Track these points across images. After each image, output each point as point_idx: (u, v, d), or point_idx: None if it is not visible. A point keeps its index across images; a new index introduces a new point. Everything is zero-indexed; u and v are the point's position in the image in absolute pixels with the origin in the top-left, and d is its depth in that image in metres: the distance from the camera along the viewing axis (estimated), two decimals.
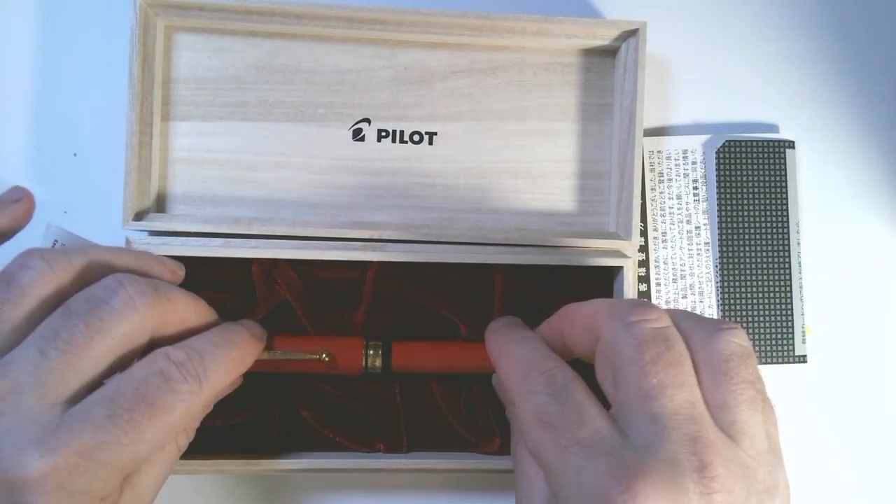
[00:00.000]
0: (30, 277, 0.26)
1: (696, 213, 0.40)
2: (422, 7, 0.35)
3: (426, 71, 0.37)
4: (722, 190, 0.39)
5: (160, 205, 0.36)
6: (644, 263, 0.39)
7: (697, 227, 0.40)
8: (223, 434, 0.35)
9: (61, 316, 0.25)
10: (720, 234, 0.39)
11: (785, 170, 0.40)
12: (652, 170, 0.40)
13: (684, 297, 0.39)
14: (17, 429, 0.23)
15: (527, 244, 0.36)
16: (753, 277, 0.39)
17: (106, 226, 0.35)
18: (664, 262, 0.39)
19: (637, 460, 0.22)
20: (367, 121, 0.37)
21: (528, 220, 0.37)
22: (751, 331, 0.39)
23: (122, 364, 0.27)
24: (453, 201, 0.37)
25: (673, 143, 0.40)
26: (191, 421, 0.29)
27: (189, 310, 0.29)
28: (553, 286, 0.36)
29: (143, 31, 0.34)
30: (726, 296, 0.39)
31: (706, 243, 0.40)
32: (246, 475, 0.37)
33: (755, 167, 0.40)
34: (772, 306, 0.39)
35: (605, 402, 0.25)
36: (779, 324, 0.39)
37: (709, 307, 0.39)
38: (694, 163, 0.40)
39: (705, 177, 0.40)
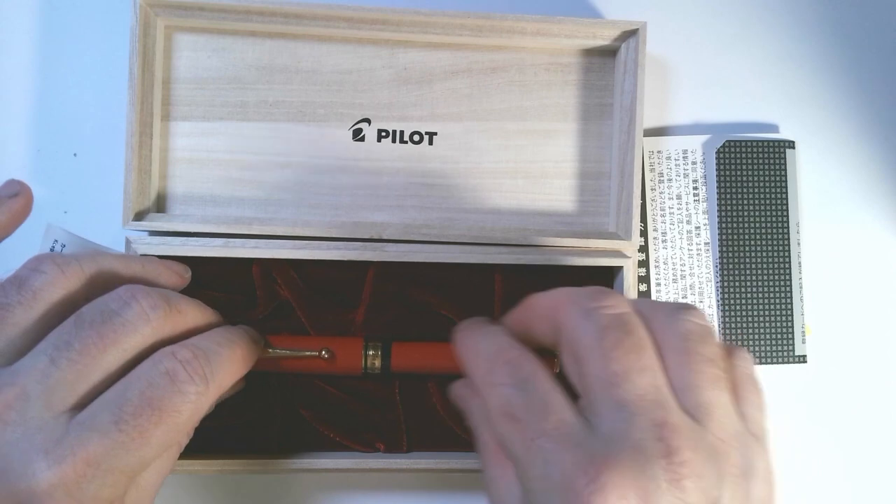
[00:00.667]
0: (42, 282, 0.26)
1: (696, 213, 0.40)
2: (422, 7, 0.35)
3: (426, 71, 0.37)
4: (722, 190, 0.39)
5: (160, 205, 0.36)
6: (644, 263, 0.39)
7: (697, 227, 0.40)
8: (223, 434, 0.35)
9: (74, 325, 0.25)
10: (720, 234, 0.39)
11: (785, 170, 0.40)
12: (652, 170, 0.40)
13: (684, 297, 0.39)
14: (24, 438, 0.23)
15: (527, 244, 0.36)
16: (753, 277, 0.39)
17: (106, 226, 0.35)
18: (664, 262, 0.39)
19: (603, 449, 0.21)
20: (367, 121, 0.37)
21: (528, 220, 0.37)
22: (751, 331, 0.39)
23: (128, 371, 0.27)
24: (453, 201, 0.37)
25: (673, 143, 0.40)
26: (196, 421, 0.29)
27: (197, 319, 0.30)
28: (553, 286, 0.36)
29: (143, 31, 0.34)
30: (726, 296, 0.39)
31: (706, 243, 0.40)
32: (246, 475, 0.37)
33: (755, 167, 0.40)
34: (772, 306, 0.39)
35: (574, 393, 0.25)
36: (779, 324, 0.39)
37: (709, 307, 0.39)
38: (694, 163, 0.40)
39: (705, 177, 0.40)
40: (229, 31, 0.36)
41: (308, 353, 0.34)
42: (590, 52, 0.37)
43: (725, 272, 0.39)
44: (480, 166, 0.37)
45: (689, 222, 0.40)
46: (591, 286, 0.27)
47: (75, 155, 0.39)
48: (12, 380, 0.24)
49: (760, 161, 0.40)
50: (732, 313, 0.39)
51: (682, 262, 0.39)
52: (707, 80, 0.40)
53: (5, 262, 0.29)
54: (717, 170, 0.40)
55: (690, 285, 0.39)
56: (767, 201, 0.39)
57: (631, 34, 0.36)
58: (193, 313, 0.29)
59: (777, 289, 0.39)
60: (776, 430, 0.39)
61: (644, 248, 0.39)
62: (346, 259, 0.35)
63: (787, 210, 0.39)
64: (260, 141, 0.37)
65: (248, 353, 0.31)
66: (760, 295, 0.39)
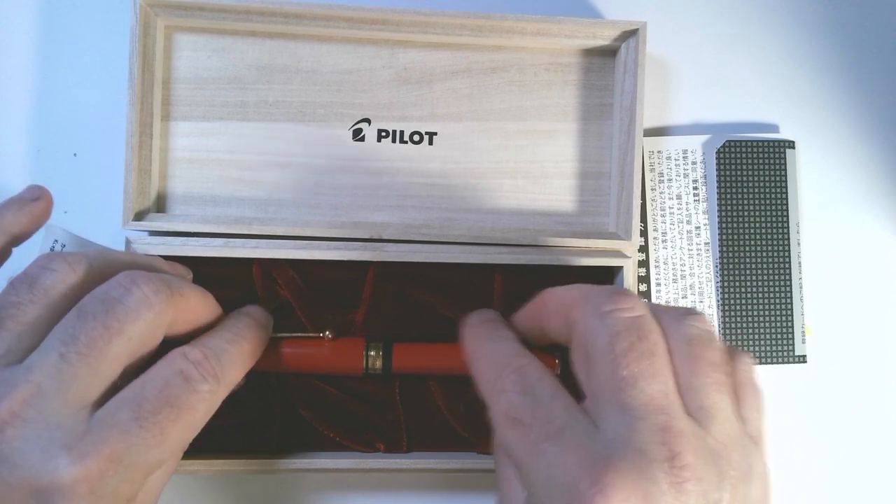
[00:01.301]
0: (53, 279, 0.26)
1: (696, 213, 0.40)
2: (422, 7, 0.35)
3: (426, 71, 0.37)
4: (722, 190, 0.39)
5: (160, 205, 0.36)
6: (644, 263, 0.39)
7: (697, 227, 0.40)
8: (223, 434, 0.35)
9: (77, 318, 0.25)
10: (720, 234, 0.39)
11: (785, 170, 0.40)
12: (652, 170, 0.40)
13: (684, 297, 0.39)
14: (45, 434, 0.23)
15: (527, 244, 0.36)
16: (753, 277, 0.39)
17: (106, 226, 0.35)
18: (664, 262, 0.39)
19: (606, 452, 0.22)
20: (367, 121, 0.37)
21: (528, 220, 0.37)
22: (751, 331, 0.39)
23: (139, 362, 0.27)
24: (453, 201, 0.37)
25: (673, 143, 0.40)
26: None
27: (200, 305, 0.30)
28: (553, 286, 0.36)
29: (143, 31, 0.34)
30: (726, 296, 0.39)
31: (706, 243, 0.40)
32: (246, 475, 0.37)
33: (755, 167, 0.40)
34: (772, 306, 0.39)
35: (579, 392, 0.25)
36: (779, 324, 0.39)
37: (709, 307, 0.39)
38: (694, 163, 0.40)
39: (705, 177, 0.40)
40: (229, 31, 0.36)
41: (311, 335, 0.34)
42: (590, 52, 0.37)
43: (725, 272, 0.39)
44: (480, 166, 0.37)
45: (689, 222, 0.40)
46: (608, 286, 0.27)
47: (75, 155, 0.39)
48: (27, 377, 0.24)
49: (760, 161, 0.40)
50: (732, 313, 0.39)
51: (682, 262, 0.39)
52: (707, 80, 0.40)
53: (6, 262, 0.29)
54: (717, 170, 0.40)
55: (690, 285, 0.39)
56: (767, 201, 0.39)
57: (631, 34, 0.36)
58: (196, 299, 0.29)
59: (777, 289, 0.39)
60: (776, 430, 0.39)
61: (644, 248, 0.39)
62: (346, 259, 0.35)
63: (787, 210, 0.39)
64: (260, 141, 0.37)
65: (256, 346, 0.31)
66: (760, 295, 0.39)
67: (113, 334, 0.25)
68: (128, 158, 0.34)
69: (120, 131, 0.34)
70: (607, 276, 0.37)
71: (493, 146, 0.37)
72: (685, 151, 0.40)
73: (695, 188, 0.40)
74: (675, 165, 0.40)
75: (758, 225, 0.39)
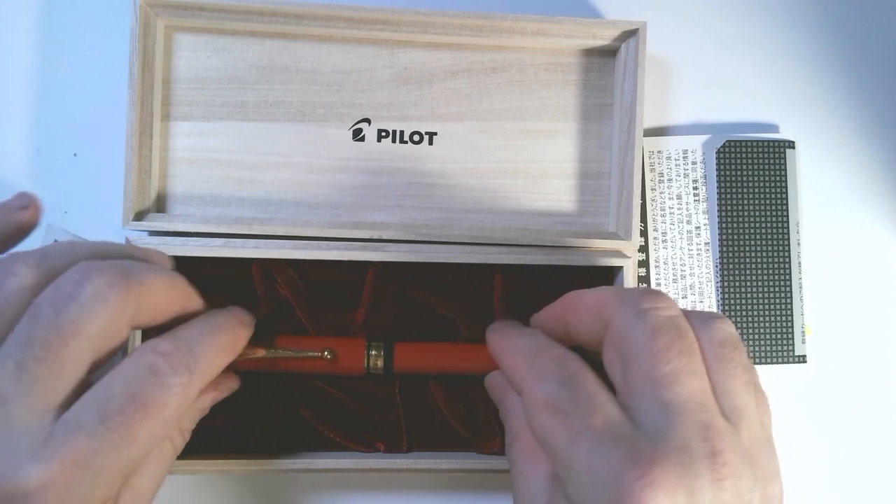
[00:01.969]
0: (15, 285, 0.24)
1: (696, 213, 0.40)
2: (422, 7, 0.35)
3: (426, 71, 0.37)
4: (722, 190, 0.39)
5: (160, 205, 0.36)
6: (644, 263, 0.39)
7: (697, 227, 0.40)
8: (223, 434, 0.35)
9: (29, 322, 0.24)
10: (720, 234, 0.39)
11: (785, 170, 0.40)
12: (652, 170, 0.40)
13: (684, 297, 0.39)
14: (9, 442, 0.23)
15: (527, 244, 0.36)
16: (753, 277, 0.39)
17: (106, 226, 0.35)
18: (664, 262, 0.39)
19: (650, 447, 0.22)
20: (367, 121, 0.37)
21: (528, 220, 0.37)
22: (751, 331, 0.39)
23: (110, 355, 0.26)
24: (453, 201, 0.37)
25: (673, 143, 0.40)
26: (185, 415, 0.29)
27: (166, 292, 0.28)
28: (553, 286, 0.36)
29: (143, 31, 0.34)
30: (726, 296, 0.39)
31: (706, 243, 0.40)
32: (246, 475, 0.37)
33: (755, 167, 0.40)
34: (772, 306, 0.39)
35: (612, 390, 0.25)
36: (779, 324, 0.39)
37: (709, 307, 0.39)
38: (694, 163, 0.40)
39: (705, 177, 0.40)
40: (229, 31, 0.36)
41: (311, 354, 0.34)
42: (590, 52, 0.37)
43: (725, 272, 0.39)
44: (480, 166, 0.37)
45: (689, 222, 0.40)
46: (641, 286, 0.27)
47: (75, 155, 0.39)
48: None
49: (760, 161, 0.40)
50: (732, 313, 0.39)
51: (682, 262, 0.39)
52: (707, 80, 0.40)
53: None
54: (717, 170, 0.40)
55: (690, 285, 0.39)
56: (767, 201, 0.39)
57: (631, 34, 0.36)
58: (160, 286, 0.27)
59: (777, 289, 0.39)
60: (776, 431, 0.39)
61: (644, 248, 0.39)
62: (346, 259, 0.35)
63: (787, 210, 0.39)
64: (260, 141, 0.37)
65: (236, 339, 0.30)
66: (760, 295, 0.39)
67: (67, 336, 0.23)
68: (128, 158, 0.34)
69: (120, 131, 0.34)
70: (607, 276, 0.37)
71: (493, 146, 0.37)
72: (685, 151, 0.40)
73: (695, 188, 0.40)
74: (675, 165, 0.40)
75: (758, 225, 0.39)
